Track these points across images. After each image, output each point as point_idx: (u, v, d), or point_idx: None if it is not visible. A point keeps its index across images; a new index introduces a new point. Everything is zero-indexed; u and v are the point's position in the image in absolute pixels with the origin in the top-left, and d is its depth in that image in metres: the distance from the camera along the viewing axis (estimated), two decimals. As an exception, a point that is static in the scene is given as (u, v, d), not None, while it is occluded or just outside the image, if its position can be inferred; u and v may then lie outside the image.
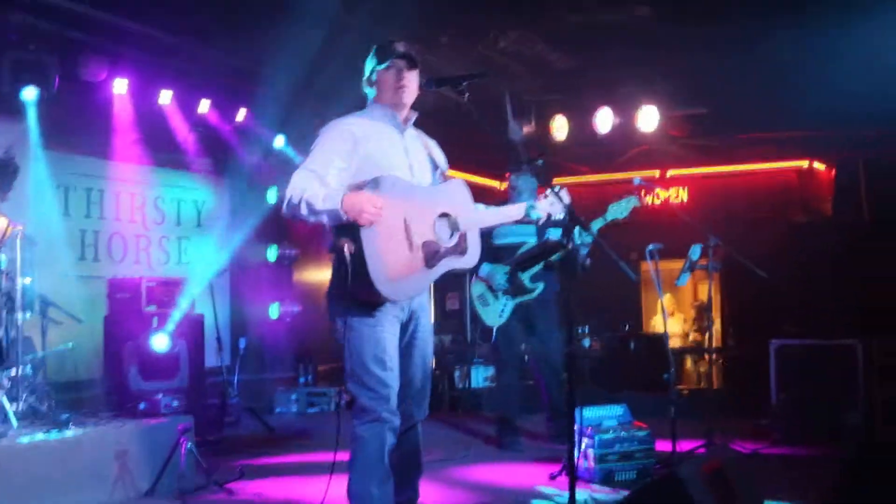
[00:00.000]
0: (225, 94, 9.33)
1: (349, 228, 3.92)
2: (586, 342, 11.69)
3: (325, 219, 3.94)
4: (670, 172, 13.46)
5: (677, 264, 7.33)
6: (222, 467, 6.46)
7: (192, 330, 8.09)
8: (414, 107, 4.35)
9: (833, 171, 11.63)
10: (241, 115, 9.82)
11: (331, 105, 5.31)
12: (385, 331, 4.12)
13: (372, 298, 4.01)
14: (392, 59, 4.23)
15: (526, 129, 10.37)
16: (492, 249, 7.53)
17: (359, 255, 3.91)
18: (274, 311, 10.58)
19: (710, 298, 7.34)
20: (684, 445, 6.65)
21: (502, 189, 11.51)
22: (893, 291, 8.96)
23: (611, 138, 10.29)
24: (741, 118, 10.36)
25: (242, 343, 10.16)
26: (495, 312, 7.54)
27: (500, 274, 7.41)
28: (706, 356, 13.50)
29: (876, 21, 7.89)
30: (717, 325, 13.53)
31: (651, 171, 13.26)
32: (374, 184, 3.99)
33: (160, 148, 9.40)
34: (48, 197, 8.53)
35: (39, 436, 5.41)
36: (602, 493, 5.86)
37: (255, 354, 10.52)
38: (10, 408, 5.45)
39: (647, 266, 6.68)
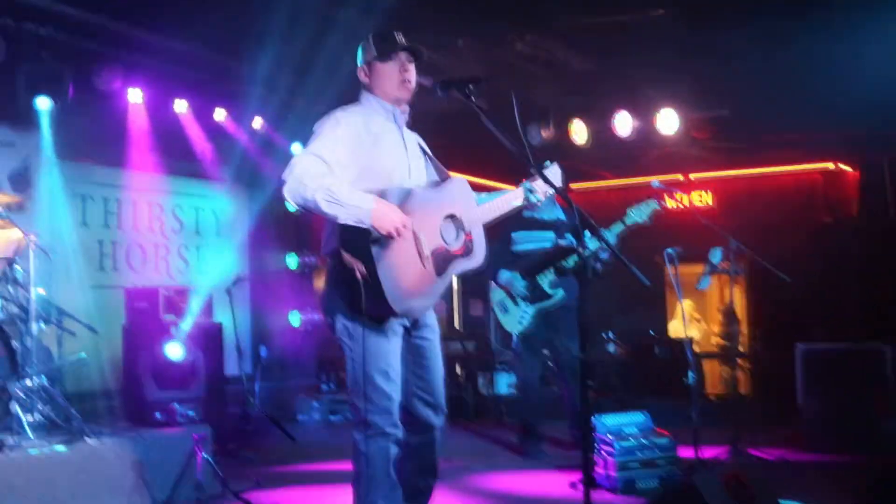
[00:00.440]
0: (240, 103, 9.30)
1: (358, 242, 3.81)
2: (611, 347, 11.60)
3: (341, 214, 3.76)
4: (694, 176, 13.35)
5: (701, 268, 7.23)
6: (240, 476, 6.41)
7: (211, 338, 8.05)
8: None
9: (859, 173, 11.49)
10: (257, 123, 9.79)
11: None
12: (390, 342, 4.04)
13: (388, 315, 3.94)
14: (395, 52, 4.12)
15: (544, 134, 10.30)
16: (511, 256, 7.48)
17: (372, 277, 3.80)
18: (295, 319, 10.54)
19: (731, 303, 7.23)
20: (709, 452, 6.56)
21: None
22: (922, 293, 8.82)
23: (631, 142, 10.18)
24: (765, 120, 10.20)
25: (264, 351, 10.12)
26: (515, 319, 7.50)
27: (518, 280, 7.36)
28: (734, 361, 13.42)
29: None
30: (744, 330, 13.43)
31: (674, 174, 13.17)
32: (381, 196, 3.87)
33: (177, 157, 9.39)
34: (65, 207, 8.51)
35: (54, 447, 5.37)
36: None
37: (276, 362, 10.48)
38: (25, 418, 5.40)
39: (679, 269, 6.62)
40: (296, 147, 10.13)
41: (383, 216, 3.78)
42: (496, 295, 7.61)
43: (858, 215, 11.25)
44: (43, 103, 7.79)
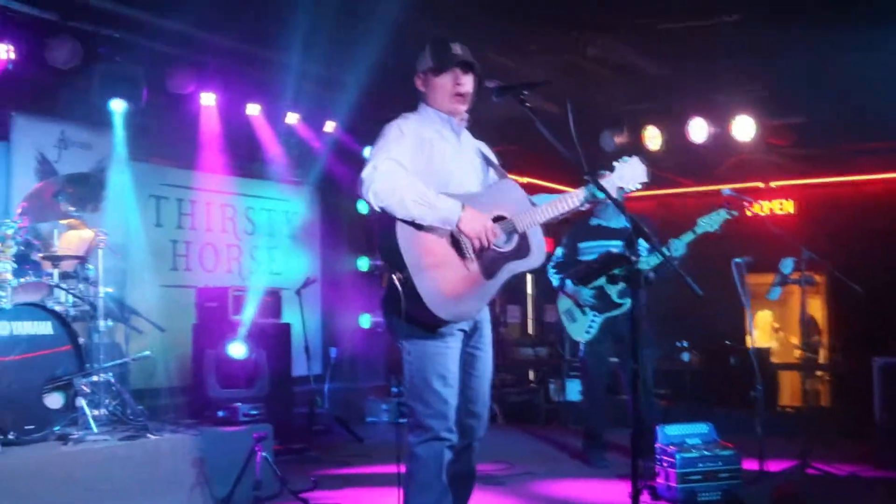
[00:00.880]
0: (312, 107, 9.39)
1: (391, 249, 3.83)
2: (686, 356, 11.43)
3: (428, 216, 3.82)
4: (775, 183, 13.08)
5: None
6: (302, 476, 6.47)
7: (278, 339, 8.16)
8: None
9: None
10: (330, 126, 9.88)
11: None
12: (448, 346, 4.02)
13: (433, 322, 3.92)
14: (449, 65, 4.12)
15: (618, 140, 10.19)
16: (578, 265, 7.43)
17: (409, 282, 3.81)
18: (365, 321, 10.61)
19: (802, 313, 7.06)
20: (776, 466, 6.42)
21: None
22: None
23: (706, 148, 10.01)
24: (846, 127, 9.96)
25: (333, 353, 10.23)
26: (582, 328, 7.45)
27: (586, 289, 7.29)
28: (814, 373, 13.11)
29: None
30: (824, 341, 13.11)
31: (754, 182, 12.92)
32: None
33: (250, 159, 9.54)
34: (140, 208, 8.71)
35: (117, 441, 5.48)
36: None
37: (346, 364, 10.58)
38: (90, 413, 5.52)
39: (753, 279, 6.50)
40: (367, 152, 10.19)
41: (471, 221, 3.86)
42: (563, 304, 7.57)
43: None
44: (117, 105, 7.98)
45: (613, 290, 7.23)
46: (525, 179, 12.14)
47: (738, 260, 6.56)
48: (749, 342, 6.67)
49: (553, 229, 6.90)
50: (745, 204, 6.93)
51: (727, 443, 6.06)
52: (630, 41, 8.67)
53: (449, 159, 4.13)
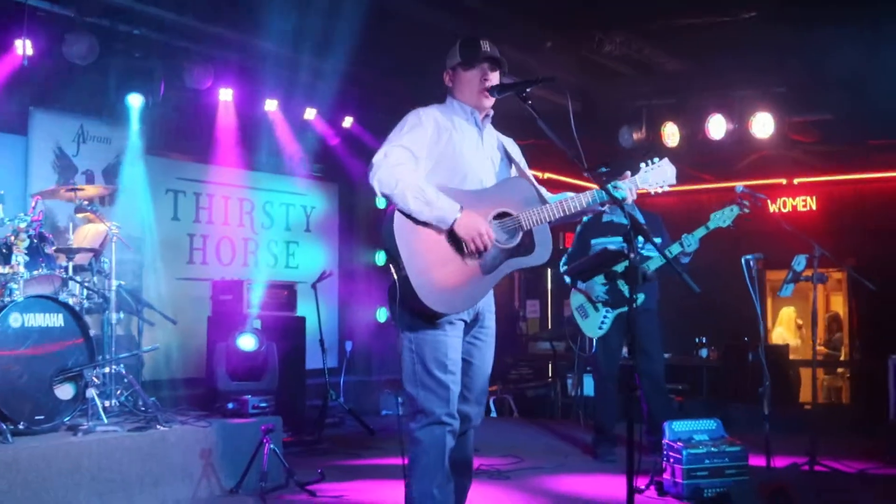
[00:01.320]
0: (330, 102, 9.43)
1: (389, 242, 3.91)
2: (704, 352, 11.42)
3: (425, 212, 3.91)
4: (798, 180, 13.01)
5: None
6: (312, 468, 6.52)
7: (291, 332, 8.23)
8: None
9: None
10: (348, 122, 9.93)
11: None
12: (448, 335, 4.07)
13: (427, 313, 3.98)
14: (477, 61, 4.20)
15: (636, 136, 10.17)
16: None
17: (403, 274, 3.90)
18: (381, 315, 10.66)
19: (814, 311, 7.01)
20: (784, 462, 6.41)
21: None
22: None
23: (725, 145, 9.97)
24: (869, 123, 9.88)
25: (349, 346, 10.29)
26: (595, 324, 7.44)
27: (598, 285, 7.30)
28: (834, 370, 13.04)
29: None
30: (845, 338, 13.05)
31: (777, 178, 12.86)
32: None
33: (267, 154, 9.58)
34: (157, 202, 8.79)
35: (127, 432, 5.57)
36: None
37: (361, 357, 10.64)
38: (100, 404, 5.61)
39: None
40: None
41: (468, 225, 3.93)
42: (576, 300, 7.56)
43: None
44: (134, 100, 8.07)
45: (626, 286, 7.21)
46: (546, 175, 12.16)
47: (748, 257, 6.55)
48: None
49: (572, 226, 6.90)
50: (759, 201, 6.90)
51: (735, 439, 6.07)
52: (649, 37, 8.64)
53: (467, 152, 4.20)
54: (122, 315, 6.43)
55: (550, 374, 12.43)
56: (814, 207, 13.05)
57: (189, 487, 5.77)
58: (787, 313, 13.60)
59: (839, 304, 14.06)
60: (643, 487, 6.06)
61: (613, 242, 7.31)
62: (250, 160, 9.50)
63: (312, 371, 8.87)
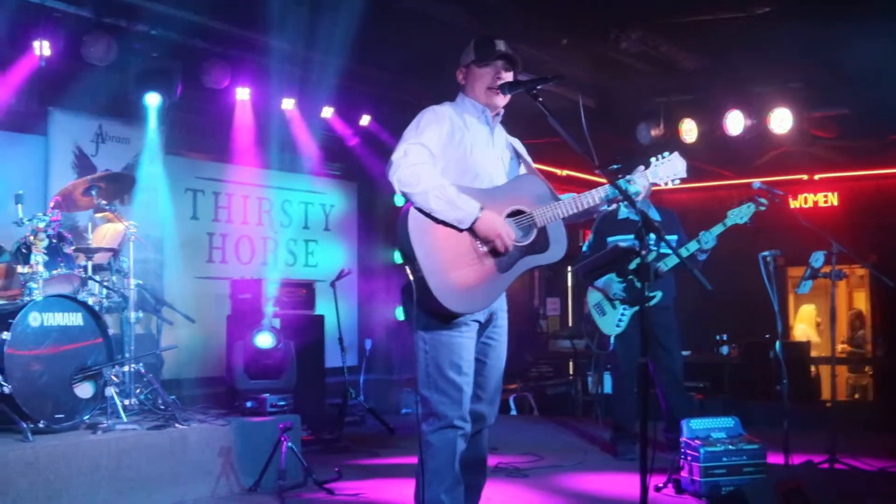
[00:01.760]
0: (348, 101, 9.46)
1: (404, 242, 3.91)
2: (725, 350, 11.38)
3: (445, 212, 3.91)
4: (818, 175, 12.94)
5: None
6: (330, 466, 6.54)
7: (310, 331, 8.25)
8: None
9: None
10: (365, 120, 9.95)
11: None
12: (463, 335, 4.07)
13: (446, 314, 3.98)
14: (491, 59, 4.21)
15: (654, 132, 10.14)
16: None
17: (419, 275, 3.90)
18: (400, 313, 10.67)
19: (833, 308, 6.96)
20: (803, 460, 6.37)
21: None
22: None
23: (743, 141, 9.92)
24: (891, 117, 9.80)
25: (368, 344, 10.31)
26: (613, 321, 7.43)
27: (616, 283, 7.28)
28: (859, 368, 12.97)
29: None
30: (868, 335, 12.97)
31: (798, 174, 12.79)
32: None
33: (285, 152, 9.61)
34: (176, 201, 8.84)
35: (145, 431, 5.62)
36: None
37: (381, 356, 10.66)
38: (119, 402, 5.65)
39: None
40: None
41: (488, 227, 3.94)
42: (593, 298, 7.55)
43: None
44: (152, 100, 8.11)
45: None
46: (565, 172, 12.15)
47: (765, 254, 6.51)
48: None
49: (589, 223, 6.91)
50: (776, 197, 6.87)
51: (753, 437, 6.04)
52: (665, 34, 8.60)
53: (478, 149, 4.20)
54: (140, 314, 6.47)
55: (571, 372, 12.41)
56: (835, 203, 12.99)
57: (208, 485, 5.80)
58: (808, 310, 13.54)
59: (862, 301, 13.98)
60: (661, 485, 6.06)
61: (627, 240, 7.30)
62: (268, 159, 9.52)
63: (332, 369, 8.90)
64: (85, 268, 6.19)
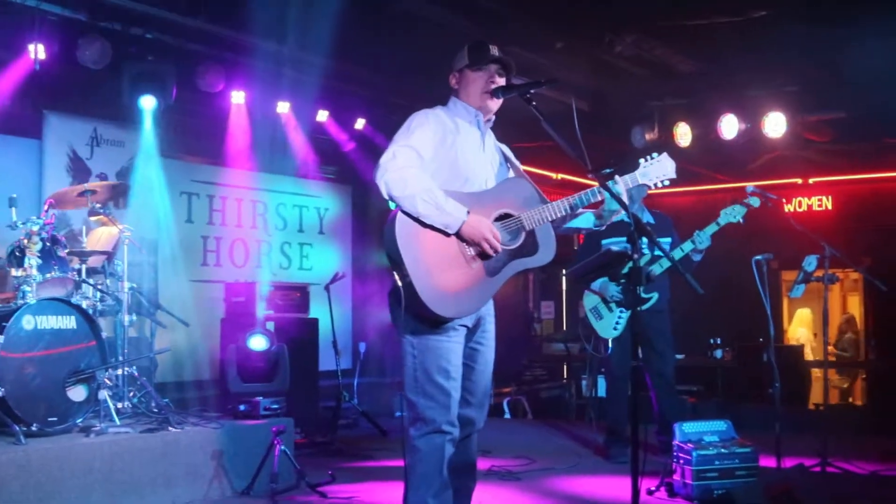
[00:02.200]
0: (342, 104, 9.47)
1: (392, 247, 3.89)
2: (718, 353, 11.40)
3: (432, 216, 3.88)
4: (813, 179, 12.97)
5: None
6: (323, 469, 6.54)
7: (304, 334, 8.25)
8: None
9: None
10: (360, 124, 9.96)
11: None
12: (451, 340, 4.05)
13: (434, 318, 3.96)
14: (485, 63, 4.20)
15: (648, 136, 10.17)
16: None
17: (407, 280, 3.87)
18: (394, 317, 10.69)
19: (825, 312, 6.97)
20: (794, 463, 6.39)
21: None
22: None
23: (738, 144, 9.94)
24: (886, 121, 9.82)
25: (362, 347, 10.31)
26: (610, 324, 7.43)
27: (612, 285, 7.28)
28: (847, 370, 13.00)
29: None
30: (860, 339, 12.99)
31: (792, 178, 12.82)
32: None
33: (280, 156, 9.62)
34: (171, 204, 8.85)
35: (138, 434, 5.62)
36: None
37: (375, 359, 10.66)
38: (112, 405, 5.65)
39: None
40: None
41: (474, 231, 3.91)
42: (589, 301, 7.54)
43: None
44: (147, 103, 8.10)
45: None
46: (560, 176, 12.17)
47: (758, 257, 6.53)
48: (779, 339, 6.60)
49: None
50: (769, 201, 6.88)
51: (745, 440, 6.05)
52: (660, 38, 8.63)
53: (469, 153, 4.18)
54: (134, 317, 6.47)
55: (565, 376, 12.44)
56: (829, 207, 13.02)
57: (200, 488, 5.80)
58: (802, 314, 13.56)
59: (856, 305, 14.01)
60: (653, 489, 6.06)
61: (620, 243, 7.31)
62: (263, 162, 9.54)
63: (326, 373, 8.90)
64: (79, 271, 6.18)
